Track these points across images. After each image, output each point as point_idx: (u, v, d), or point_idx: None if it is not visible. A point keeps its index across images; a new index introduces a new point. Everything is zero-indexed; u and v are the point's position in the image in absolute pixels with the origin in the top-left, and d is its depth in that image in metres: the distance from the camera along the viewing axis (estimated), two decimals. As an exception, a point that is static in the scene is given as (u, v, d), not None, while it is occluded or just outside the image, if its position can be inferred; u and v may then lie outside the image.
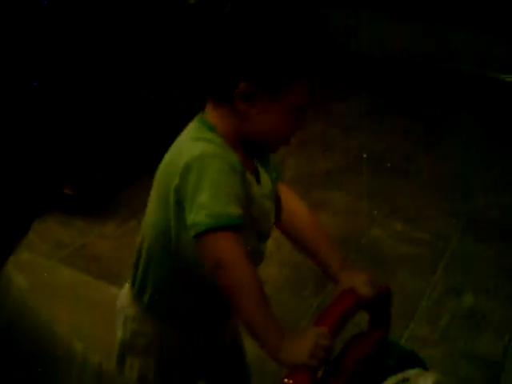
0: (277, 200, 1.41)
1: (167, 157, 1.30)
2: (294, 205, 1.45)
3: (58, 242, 2.84)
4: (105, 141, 3.03)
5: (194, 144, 1.25)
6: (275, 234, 2.66)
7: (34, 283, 2.54)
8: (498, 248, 2.88)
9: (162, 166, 1.30)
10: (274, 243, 2.66)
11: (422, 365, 1.32)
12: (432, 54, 4.77)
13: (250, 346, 1.45)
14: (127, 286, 1.48)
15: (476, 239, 2.95)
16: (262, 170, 1.35)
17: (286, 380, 1.12)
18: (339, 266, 1.34)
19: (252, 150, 1.32)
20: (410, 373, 1.25)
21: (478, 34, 4.55)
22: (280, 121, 1.26)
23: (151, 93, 3.22)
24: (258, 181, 1.33)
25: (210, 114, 1.29)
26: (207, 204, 1.18)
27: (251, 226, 1.29)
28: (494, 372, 2.22)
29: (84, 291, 2.53)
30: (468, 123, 4.16)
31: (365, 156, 3.62)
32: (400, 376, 1.23)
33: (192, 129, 1.30)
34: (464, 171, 3.55)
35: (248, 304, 1.19)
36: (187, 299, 1.39)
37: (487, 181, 3.48)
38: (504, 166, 3.65)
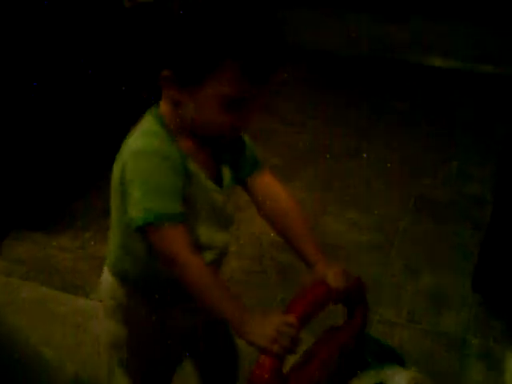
0: (251, 192, 1.45)
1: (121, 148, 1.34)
2: (276, 193, 1.44)
3: (17, 258, 2.81)
4: (53, 153, 3.02)
5: (137, 138, 1.30)
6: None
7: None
8: (448, 228, 2.99)
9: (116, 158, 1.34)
10: (232, 238, 2.72)
11: (399, 361, 1.34)
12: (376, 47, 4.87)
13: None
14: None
15: (427, 221, 3.05)
16: (224, 166, 1.40)
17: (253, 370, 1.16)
18: (315, 256, 1.34)
19: (210, 144, 1.34)
20: (386, 370, 1.27)
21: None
22: (210, 110, 1.25)
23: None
24: (217, 177, 1.37)
25: (161, 103, 1.33)
26: (140, 200, 1.24)
27: (202, 216, 1.34)
28: (458, 347, 2.30)
29: (51, 305, 2.53)
30: (408, 111, 4.31)
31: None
32: (375, 373, 1.26)
33: (143, 120, 1.34)
34: (410, 156, 3.66)
35: (202, 290, 1.23)
36: (153, 281, 1.43)
37: (433, 164, 3.59)
38: (442, 147, 3.78)
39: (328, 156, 3.63)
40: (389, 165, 3.52)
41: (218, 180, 1.37)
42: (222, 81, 1.20)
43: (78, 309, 2.49)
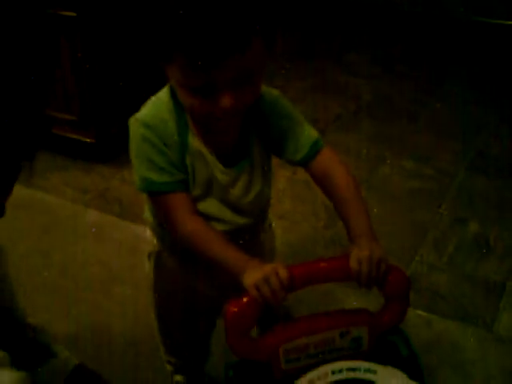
0: (309, 172, 1.39)
1: None
2: (332, 174, 1.35)
3: (83, 188, 2.98)
4: (124, 90, 3.15)
5: (145, 105, 1.34)
6: (287, 173, 2.77)
7: (61, 225, 2.71)
8: (500, 183, 2.99)
9: None
10: (288, 182, 2.81)
11: (418, 371, 1.26)
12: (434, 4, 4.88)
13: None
14: None
15: (480, 175, 3.06)
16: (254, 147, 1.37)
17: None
18: (356, 235, 1.26)
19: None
20: (384, 369, 1.20)
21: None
22: (180, 94, 1.23)
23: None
24: (232, 157, 1.35)
25: None
26: (137, 167, 1.30)
27: (208, 190, 1.35)
28: (496, 294, 2.33)
29: (108, 230, 2.68)
30: (465, 67, 4.31)
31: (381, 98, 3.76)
32: (371, 366, 1.20)
33: (164, 88, 1.34)
34: (467, 112, 3.68)
35: (204, 246, 1.28)
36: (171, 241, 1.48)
37: (491, 122, 3.58)
38: (507, 107, 3.75)
39: (389, 109, 3.71)
40: (447, 120, 3.58)
41: (231, 160, 1.35)
42: (175, 70, 1.17)
43: (134, 234, 2.63)
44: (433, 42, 4.68)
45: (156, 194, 1.31)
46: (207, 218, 1.34)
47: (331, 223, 2.60)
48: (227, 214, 1.39)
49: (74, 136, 3.12)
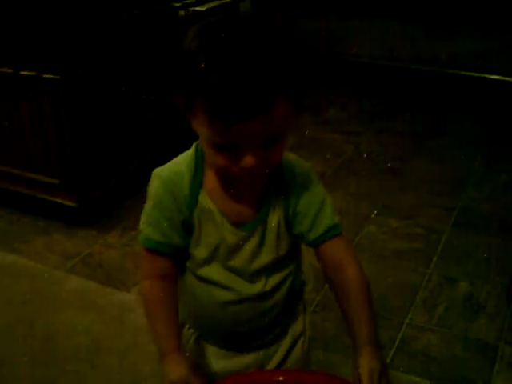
0: (317, 254, 1.29)
1: None
2: (348, 266, 1.25)
3: (65, 253, 2.93)
4: (107, 154, 3.14)
5: (170, 161, 1.30)
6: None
7: (44, 292, 2.66)
8: (488, 239, 2.98)
9: None
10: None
11: None
12: (416, 58, 4.95)
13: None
14: None
15: (467, 232, 3.05)
16: (271, 212, 1.29)
17: None
18: (363, 344, 1.15)
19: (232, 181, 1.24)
20: None
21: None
22: (204, 147, 1.18)
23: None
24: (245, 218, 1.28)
25: None
26: (142, 218, 1.28)
27: (216, 251, 1.28)
28: (489, 355, 2.29)
29: (92, 297, 2.62)
30: (448, 122, 4.39)
31: (365, 156, 3.80)
32: None
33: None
34: (450, 168, 3.71)
35: (147, 314, 1.25)
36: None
37: (476, 176, 3.61)
38: (491, 160, 3.80)
39: (373, 166, 3.74)
40: (433, 176, 3.60)
41: (244, 223, 1.28)
42: (199, 120, 1.11)
43: (119, 301, 2.58)
44: (413, 96, 4.74)
45: (146, 249, 1.28)
46: (213, 284, 1.30)
47: (319, 286, 2.56)
48: (234, 281, 1.31)
49: (56, 199, 3.10)
